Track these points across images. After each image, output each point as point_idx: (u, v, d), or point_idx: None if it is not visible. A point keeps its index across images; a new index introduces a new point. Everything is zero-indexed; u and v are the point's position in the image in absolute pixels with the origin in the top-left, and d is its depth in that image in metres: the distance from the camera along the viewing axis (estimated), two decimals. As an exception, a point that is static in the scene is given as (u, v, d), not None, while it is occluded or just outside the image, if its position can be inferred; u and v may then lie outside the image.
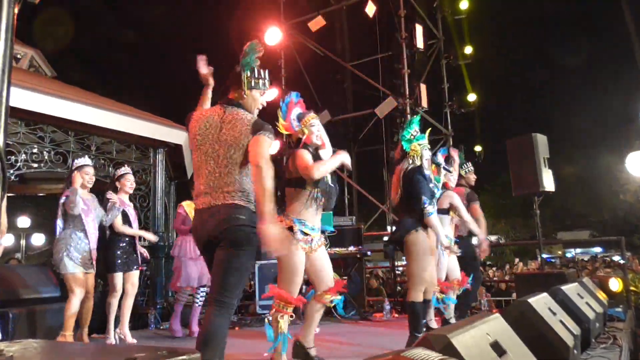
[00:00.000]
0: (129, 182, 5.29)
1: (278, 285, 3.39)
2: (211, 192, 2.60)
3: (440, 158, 4.81)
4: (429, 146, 4.26)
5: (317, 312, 3.53)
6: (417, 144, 4.17)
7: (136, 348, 1.05)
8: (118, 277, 5.05)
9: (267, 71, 2.86)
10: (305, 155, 3.40)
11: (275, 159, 3.91)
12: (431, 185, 4.16)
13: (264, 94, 2.88)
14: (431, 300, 4.28)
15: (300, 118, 3.61)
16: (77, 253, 4.58)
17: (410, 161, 4.15)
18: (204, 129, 2.71)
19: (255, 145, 2.56)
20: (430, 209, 3.92)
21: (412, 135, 4.19)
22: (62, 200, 4.66)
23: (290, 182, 3.49)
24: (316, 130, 3.59)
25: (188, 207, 5.75)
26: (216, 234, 2.55)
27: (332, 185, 3.57)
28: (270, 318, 3.34)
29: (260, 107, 2.89)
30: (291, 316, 3.35)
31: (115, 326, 5.12)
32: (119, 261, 5.05)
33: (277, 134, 3.30)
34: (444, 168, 4.70)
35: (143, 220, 7.03)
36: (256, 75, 2.80)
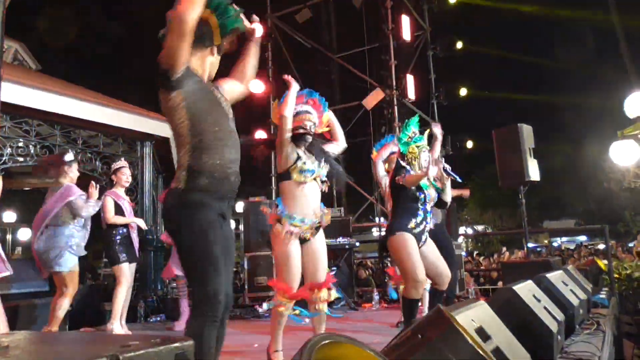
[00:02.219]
0: (125, 176, 5.29)
1: (277, 277, 3.40)
2: None
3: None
4: (428, 148, 4.18)
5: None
6: (414, 146, 4.11)
7: (130, 337, 1.08)
8: (124, 267, 5.05)
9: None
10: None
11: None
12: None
13: (214, 53, 2.37)
14: (443, 291, 4.21)
15: (299, 112, 3.57)
16: (75, 250, 4.59)
17: (407, 165, 4.07)
18: None
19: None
20: (401, 178, 3.92)
21: (409, 137, 4.13)
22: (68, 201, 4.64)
23: (280, 177, 3.50)
24: (315, 122, 3.61)
25: None
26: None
27: (333, 169, 3.58)
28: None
29: (207, 73, 2.36)
30: (293, 309, 3.35)
31: (107, 320, 5.14)
32: (123, 253, 5.06)
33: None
34: (448, 172, 4.50)
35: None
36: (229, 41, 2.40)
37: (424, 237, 3.96)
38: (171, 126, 2.28)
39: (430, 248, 4.01)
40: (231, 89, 2.48)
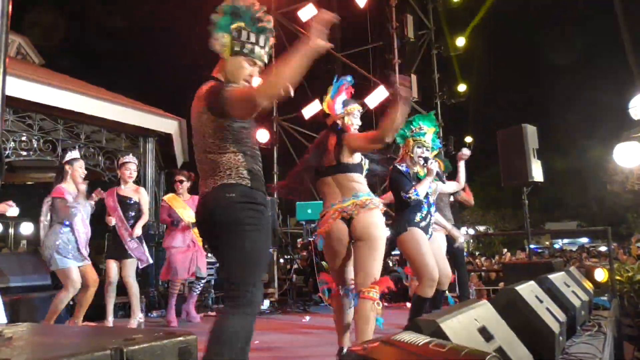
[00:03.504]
0: (128, 171, 5.27)
1: (364, 269, 3.06)
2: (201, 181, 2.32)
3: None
4: (427, 144, 4.08)
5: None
6: (410, 139, 4.06)
7: (133, 330, 1.08)
8: (110, 264, 5.07)
9: (266, 37, 2.37)
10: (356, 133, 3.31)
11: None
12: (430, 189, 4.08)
13: (255, 65, 2.36)
14: (445, 291, 4.18)
15: (345, 104, 3.44)
16: (67, 247, 4.59)
17: (397, 163, 4.05)
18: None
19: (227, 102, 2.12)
20: (412, 193, 3.85)
21: (411, 131, 4.08)
22: (48, 200, 4.69)
23: (340, 169, 3.23)
24: (357, 122, 3.46)
25: (171, 201, 5.80)
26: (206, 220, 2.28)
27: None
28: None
29: (248, 81, 2.36)
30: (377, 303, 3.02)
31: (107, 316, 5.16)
32: (109, 250, 5.08)
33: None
34: (438, 173, 4.42)
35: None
36: (244, 38, 2.29)
37: (430, 231, 3.95)
38: (211, 126, 2.23)
39: (435, 245, 3.99)
40: None
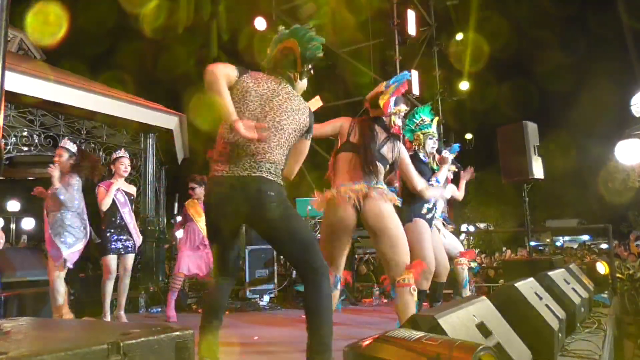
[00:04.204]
0: (123, 166, 5.27)
1: (392, 258, 3.10)
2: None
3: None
4: (435, 136, 4.17)
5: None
6: (420, 133, 4.12)
7: (131, 325, 1.08)
8: (110, 259, 5.06)
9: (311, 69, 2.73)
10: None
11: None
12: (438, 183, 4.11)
13: (297, 79, 2.70)
14: (444, 282, 4.26)
15: (396, 103, 3.42)
16: (54, 238, 4.60)
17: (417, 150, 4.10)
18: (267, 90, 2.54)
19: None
20: (433, 180, 3.90)
21: (416, 124, 4.15)
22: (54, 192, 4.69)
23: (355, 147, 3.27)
24: (399, 123, 3.47)
25: (189, 208, 5.95)
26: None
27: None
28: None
29: None
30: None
31: (111, 311, 5.17)
32: (111, 244, 5.07)
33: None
34: (452, 161, 4.51)
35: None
36: (310, 67, 2.70)
37: (433, 224, 3.98)
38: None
39: (435, 237, 4.01)
40: None
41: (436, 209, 4.05)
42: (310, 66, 2.68)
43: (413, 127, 4.15)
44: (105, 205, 5.09)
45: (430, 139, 4.11)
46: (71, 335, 1.08)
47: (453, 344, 1.29)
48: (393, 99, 3.38)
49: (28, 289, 5.40)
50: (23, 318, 1.23)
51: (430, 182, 3.87)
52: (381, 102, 3.38)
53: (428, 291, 4.16)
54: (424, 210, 3.89)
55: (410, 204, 3.91)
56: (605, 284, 5.71)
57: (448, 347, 1.29)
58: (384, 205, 3.09)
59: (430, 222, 3.92)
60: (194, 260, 5.75)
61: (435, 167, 4.16)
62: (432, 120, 4.24)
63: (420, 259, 3.76)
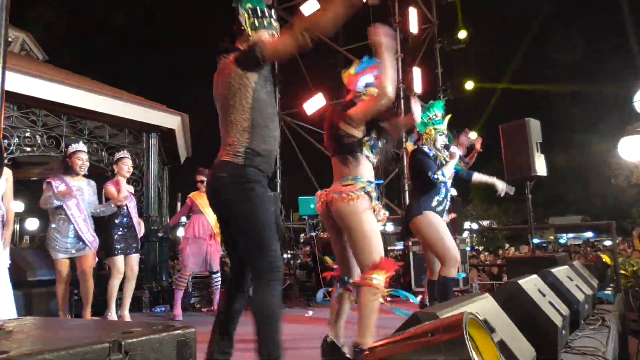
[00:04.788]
0: (126, 167, 5.28)
1: (363, 257, 2.87)
2: None
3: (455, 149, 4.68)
4: (446, 132, 4.17)
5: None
6: (431, 127, 4.13)
7: (133, 324, 1.08)
8: (118, 259, 5.07)
9: (272, 10, 2.55)
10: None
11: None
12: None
13: (275, 35, 2.52)
14: (453, 278, 4.01)
15: (368, 85, 3.20)
16: (62, 239, 4.63)
17: (424, 145, 4.10)
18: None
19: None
20: (439, 174, 3.89)
21: (429, 118, 4.16)
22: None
23: (346, 148, 3.00)
24: None
25: (195, 197, 6.02)
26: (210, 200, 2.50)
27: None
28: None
29: None
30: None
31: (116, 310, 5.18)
32: (118, 244, 5.08)
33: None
34: (460, 157, 4.56)
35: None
36: (259, 14, 2.48)
37: (444, 216, 3.98)
38: (229, 103, 2.37)
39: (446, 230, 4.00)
40: None
41: (447, 201, 4.05)
42: (259, 12, 2.50)
43: (426, 121, 4.14)
44: (121, 200, 5.14)
45: (440, 135, 4.11)
46: (73, 334, 1.08)
47: (438, 319, 1.33)
48: (365, 80, 3.19)
49: (37, 289, 5.43)
50: (27, 317, 1.23)
51: (435, 176, 3.87)
52: (344, 77, 3.27)
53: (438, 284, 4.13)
54: (434, 203, 3.90)
55: (421, 196, 3.93)
56: (609, 278, 5.69)
57: (434, 322, 1.32)
58: (341, 205, 2.89)
59: (441, 214, 3.93)
60: (198, 257, 5.77)
61: (444, 161, 4.15)
62: (445, 118, 4.25)
63: (440, 250, 3.77)
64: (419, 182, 4.03)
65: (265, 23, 2.48)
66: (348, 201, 2.87)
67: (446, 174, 3.92)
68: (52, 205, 4.67)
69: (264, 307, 2.23)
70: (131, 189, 5.51)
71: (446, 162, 4.06)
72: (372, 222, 2.90)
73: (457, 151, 4.07)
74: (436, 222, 3.83)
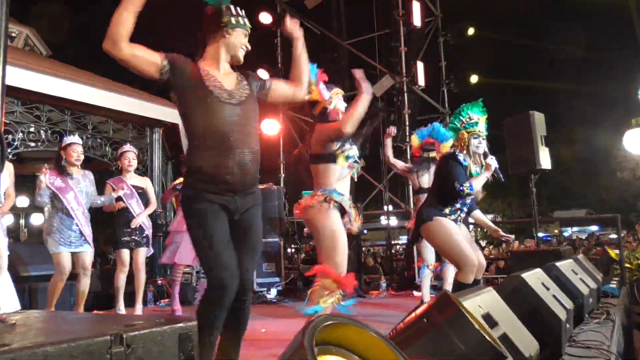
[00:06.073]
0: (127, 160, 5.28)
1: (319, 260, 3.08)
2: None
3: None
4: (482, 134, 3.76)
5: None
6: (464, 132, 3.76)
7: (135, 317, 1.08)
8: (123, 252, 5.09)
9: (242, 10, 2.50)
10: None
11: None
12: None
13: (246, 36, 2.50)
14: (479, 280, 3.77)
15: (329, 88, 3.38)
16: (60, 232, 4.63)
17: (457, 151, 3.75)
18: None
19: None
20: (466, 187, 3.55)
21: (462, 122, 3.80)
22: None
23: (319, 158, 3.26)
24: (342, 105, 3.39)
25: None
26: None
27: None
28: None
29: (244, 50, 2.51)
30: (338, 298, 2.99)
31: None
32: (123, 238, 5.10)
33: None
34: (496, 170, 4.00)
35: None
36: (233, 13, 2.45)
37: (458, 223, 3.75)
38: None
39: (464, 232, 3.81)
40: (276, 89, 2.60)
41: (462, 213, 3.75)
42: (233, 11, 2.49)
43: (458, 126, 3.80)
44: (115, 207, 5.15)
45: (475, 138, 3.73)
46: (75, 328, 1.08)
47: (425, 305, 1.34)
48: (322, 86, 3.37)
49: (40, 283, 5.45)
50: (30, 311, 1.23)
51: (462, 188, 3.49)
52: (314, 93, 3.36)
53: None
54: (446, 211, 3.62)
55: (435, 202, 3.70)
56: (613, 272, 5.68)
57: (424, 309, 1.33)
58: (306, 212, 3.17)
59: (455, 220, 3.67)
60: (191, 250, 5.69)
61: (476, 171, 3.71)
62: (481, 119, 3.83)
63: (454, 256, 3.56)
64: (442, 188, 3.73)
65: (242, 22, 2.50)
66: (310, 207, 3.15)
67: (475, 187, 3.54)
68: (43, 199, 4.65)
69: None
70: (143, 182, 5.45)
71: (477, 173, 3.69)
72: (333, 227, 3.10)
73: (494, 163, 3.62)
74: (449, 227, 3.60)
